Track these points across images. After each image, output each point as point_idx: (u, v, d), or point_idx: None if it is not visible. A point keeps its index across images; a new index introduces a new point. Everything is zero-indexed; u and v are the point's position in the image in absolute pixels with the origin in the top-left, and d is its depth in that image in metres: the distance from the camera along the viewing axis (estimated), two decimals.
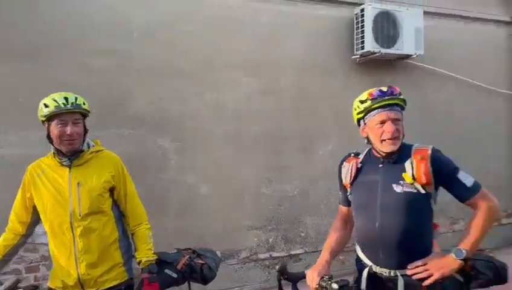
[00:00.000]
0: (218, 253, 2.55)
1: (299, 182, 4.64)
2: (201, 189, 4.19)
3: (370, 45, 4.58)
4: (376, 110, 1.91)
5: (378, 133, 1.90)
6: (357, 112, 1.98)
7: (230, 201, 4.32)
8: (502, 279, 2.06)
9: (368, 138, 1.98)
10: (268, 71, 4.53)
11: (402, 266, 1.85)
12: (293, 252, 4.60)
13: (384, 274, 1.89)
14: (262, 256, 4.46)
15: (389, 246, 1.87)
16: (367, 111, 1.93)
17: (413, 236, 1.85)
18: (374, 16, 4.57)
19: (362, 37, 4.64)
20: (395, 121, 1.90)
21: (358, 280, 1.97)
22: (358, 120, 2.00)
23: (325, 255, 2.05)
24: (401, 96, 1.95)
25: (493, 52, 5.73)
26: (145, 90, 3.99)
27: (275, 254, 4.53)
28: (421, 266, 1.81)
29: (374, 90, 1.94)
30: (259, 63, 4.48)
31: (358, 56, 4.78)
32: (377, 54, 4.66)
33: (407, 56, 4.88)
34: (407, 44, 4.72)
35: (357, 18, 4.71)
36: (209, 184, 4.23)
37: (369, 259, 1.95)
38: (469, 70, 5.48)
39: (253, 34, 4.45)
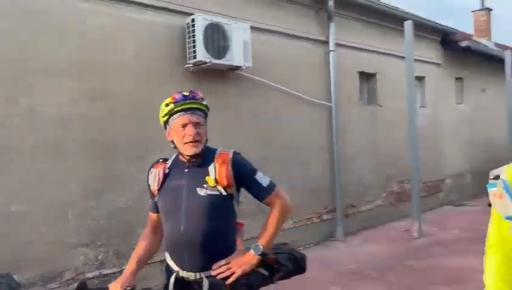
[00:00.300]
0: (16, 277, 2.24)
1: (133, 193, 4.45)
2: (11, 208, 3.67)
3: (201, 54, 4.69)
4: (178, 114, 1.94)
5: (181, 136, 1.93)
6: (161, 115, 1.99)
7: (50, 218, 3.89)
8: (301, 269, 2.25)
9: (173, 141, 1.98)
10: (97, 76, 4.26)
11: (207, 267, 1.89)
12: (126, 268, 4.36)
13: (191, 278, 1.91)
14: (90, 275, 4.12)
15: (194, 249, 1.89)
16: (170, 114, 1.95)
17: (216, 237, 1.91)
18: (205, 27, 4.71)
19: (194, 46, 4.72)
20: (196, 124, 1.94)
21: (166, 287, 1.95)
22: (164, 124, 1.99)
23: (131, 265, 1.99)
24: (204, 102, 2.02)
25: (313, 67, 6.47)
26: None
27: (105, 271, 4.23)
28: (224, 265, 1.88)
29: (177, 94, 1.97)
30: (86, 67, 4.18)
31: (191, 65, 4.85)
32: (209, 64, 4.80)
33: (237, 67, 5.14)
34: (236, 56, 4.98)
35: (188, 27, 4.78)
36: (22, 202, 3.73)
37: (177, 264, 1.95)
38: (293, 82, 6.08)
39: (80, 36, 4.14)
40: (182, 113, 1.93)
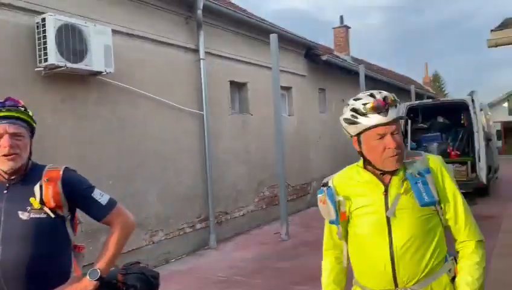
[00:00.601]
0: None
1: None
2: None
3: (54, 58, 4.28)
4: None
5: None
6: None
7: None
8: (152, 288, 2.16)
9: None
10: None
11: None
12: None
13: None
14: None
15: (16, 283, 1.65)
16: None
17: (43, 266, 1.70)
18: (58, 28, 4.31)
19: (45, 48, 4.29)
20: (14, 135, 1.71)
21: None
22: None
23: None
24: (27, 112, 1.79)
25: (183, 74, 6.41)
26: None
27: None
28: None
29: None
30: None
31: (42, 69, 4.39)
32: (63, 68, 4.41)
33: (98, 72, 4.82)
34: (96, 60, 4.66)
35: (38, 28, 4.32)
36: None
37: None
38: (161, 89, 5.93)
39: None
40: None
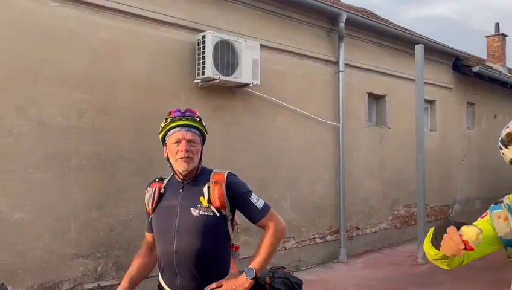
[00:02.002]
0: (10, 288, 2.24)
1: (135, 206, 4.45)
2: (14, 215, 3.70)
3: (210, 71, 4.74)
4: (174, 130, 1.95)
5: (174, 152, 1.94)
6: (159, 131, 2.00)
7: (52, 228, 3.91)
8: None
9: (168, 158, 1.99)
10: (105, 89, 4.32)
11: (198, 289, 1.87)
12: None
13: None
14: (88, 286, 4.12)
15: (185, 271, 1.89)
16: (167, 130, 1.96)
17: (208, 259, 1.90)
18: (215, 44, 4.76)
19: (203, 62, 4.78)
20: (190, 141, 1.94)
21: None
22: (162, 140, 2.01)
23: (123, 283, 1.99)
24: (201, 122, 2.02)
25: (321, 87, 6.49)
26: None
27: (104, 283, 4.23)
28: (216, 288, 1.86)
29: (174, 111, 1.99)
30: (95, 79, 4.24)
31: (200, 81, 4.89)
32: (217, 81, 4.85)
33: (246, 84, 5.18)
34: (245, 73, 5.02)
35: (198, 44, 4.84)
36: (25, 210, 3.77)
37: (168, 285, 1.94)
38: (300, 101, 6.09)
39: (90, 49, 4.21)
40: (178, 129, 1.94)
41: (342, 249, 6.45)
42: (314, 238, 6.31)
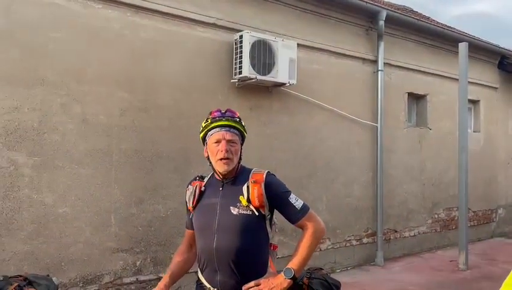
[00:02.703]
0: (55, 280, 2.34)
1: (172, 203, 4.54)
2: (59, 209, 3.86)
3: (247, 70, 4.75)
4: (214, 130, 1.98)
5: (214, 152, 1.97)
6: (200, 131, 2.02)
7: (94, 222, 4.05)
8: None
9: (208, 157, 2.01)
10: (145, 88, 4.42)
11: (237, 287, 1.89)
12: (162, 275, 4.40)
13: None
14: (127, 280, 4.24)
15: (225, 267, 1.90)
16: (207, 130, 1.99)
17: (247, 257, 1.90)
18: (252, 44, 4.77)
19: (240, 62, 4.80)
20: (229, 141, 1.96)
21: None
22: (202, 140, 2.03)
23: (164, 279, 2.02)
24: (241, 122, 2.03)
25: (359, 86, 6.37)
26: None
27: (142, 278, 4.33)
28: (254, 286, 1.86)
29: (215, 111, 2.01)
30: (135, 78, 4.36)
31: (236, 80, 4.92)
32: (254, 80, 4.86)
33: (282, 84, 5.16)
34: (281, 73, 5.00)
35: (236, 44, 4.86)
36: (69, 204, 3.92)
37: (207, 281, 1.95)
38: (336, 100, 6.00)
39: (131, 49, 4.33)
40: (218, 129, 1.97)
41: (378, 252, 6.31)
42: (350, 240, 6.20)
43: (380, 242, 6.33)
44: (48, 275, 2.37)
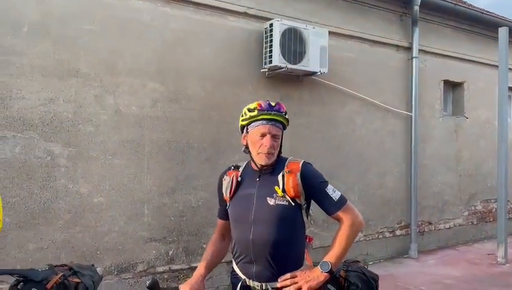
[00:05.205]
0: (99, 270, 2.36)
1: (203, 193, 4.55)
2: (94, 199, 3.93)
3: (277, 59, 4.67)
4: (260, 122, 1.92)
5: (257, 145, 1.92)
6: (242, 118, 1.98)
7: (127, 212, 4.11)
8: (372, 289, 2.14)
9: (247, 146, 1.97)
10: (176, 78, 4.42)
11: (273, 279, 1.85)
12: (194, 265, 4.46)
13: (257, 288, 1.88)
14: (160, 269, 4.29)
15: (261, 259, 1.87)
16: (252, 120, 1.94)
17: (284, 248, 1.86)
18: (282, 32, 4.69)
19: (270, 51, 4.73)
20: (274, 136, 1.93)
21: None
22: (242, 127, 1.99)
23: (200, 269, 2.00)
24: (286, 116, 1.98)
25: (392, 74, 6.18)
26: (34, 89, 3.68)
27: (174, 267, 4.38)
28: (290, 278, 1.82)
29: (263, 102, 1.95)
30: (166, 69, 4.36)
31: (266, 69, 4.85)
32: (284, 69, 4.78)
33: (313, 73, 5.05)
34: (312, 61, 4.89)
35: (266, 32, 4.79)
36: (104, 193, 3.99)
37: (243, 272, 1.93)
38: (369, 89, 5.85)
39: (162, 40, 4.33)
40: (264, 122, 1.92)
41: (412, 244, 6.15)
42: (382, 232, 6.08)
43: (414, 234, 6.17)
44: (93, 265, 2.39)
